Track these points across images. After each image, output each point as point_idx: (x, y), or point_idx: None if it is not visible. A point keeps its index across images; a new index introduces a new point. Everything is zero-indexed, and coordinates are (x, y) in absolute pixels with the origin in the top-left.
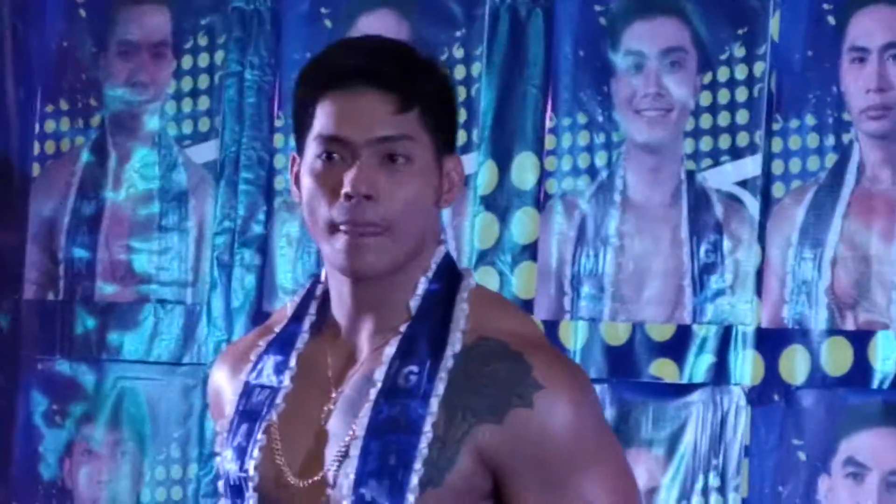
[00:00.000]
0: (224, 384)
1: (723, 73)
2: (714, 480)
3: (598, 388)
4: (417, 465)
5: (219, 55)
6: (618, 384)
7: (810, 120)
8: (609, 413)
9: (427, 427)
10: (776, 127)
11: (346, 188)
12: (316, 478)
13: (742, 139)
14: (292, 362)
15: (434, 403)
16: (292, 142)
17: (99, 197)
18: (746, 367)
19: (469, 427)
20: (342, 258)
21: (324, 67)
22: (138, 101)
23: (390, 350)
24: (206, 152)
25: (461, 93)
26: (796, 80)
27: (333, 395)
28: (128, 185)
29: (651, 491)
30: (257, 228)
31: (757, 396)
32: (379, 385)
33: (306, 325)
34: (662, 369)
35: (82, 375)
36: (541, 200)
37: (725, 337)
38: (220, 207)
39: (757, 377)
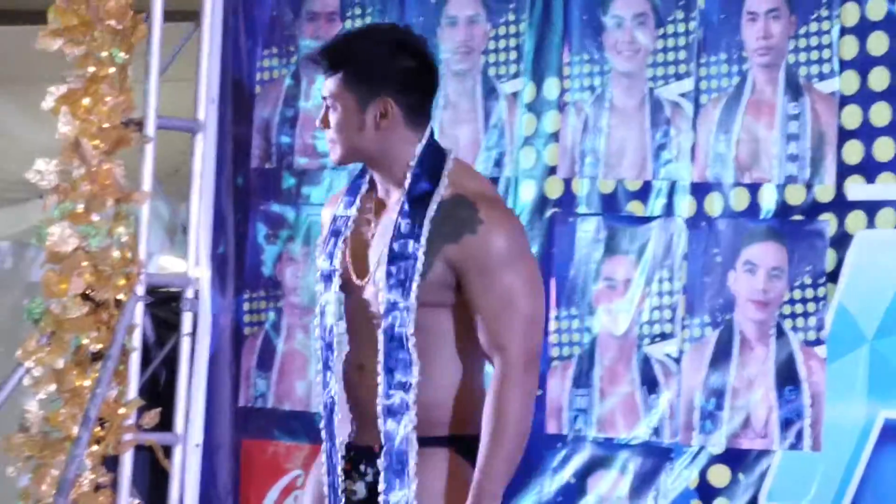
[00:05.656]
0: (326, 217)
1: (670, 29)
2: (666, 274)
3: (594, 219)
4: (415, 276)
5: (368, 20)
6: (608, 217)
7: (723, 56)
8: (602, 234)
9: (419, 254)
10: (703, 61)
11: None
12: (366, 278)
13: (682, 68)
14: (357, 201)
15: (422, 240)
16: None
17: (296, 105)
18: (685, 206)
19: (440, 247)
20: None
21: (312, 55)
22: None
23: (396, 213)
24: None
25: (513, 42)
26: (715, 32)
27: (374, 226)
28: (313, 98)
29: (628, 280)
30: None
31: (691, 224)
32: (391, 233)
33: (366, 181)
34: (634, 207)
35: (287, 213)
36: (561, 106)
37: (672, 188)
38: None
39: (691, 212)
